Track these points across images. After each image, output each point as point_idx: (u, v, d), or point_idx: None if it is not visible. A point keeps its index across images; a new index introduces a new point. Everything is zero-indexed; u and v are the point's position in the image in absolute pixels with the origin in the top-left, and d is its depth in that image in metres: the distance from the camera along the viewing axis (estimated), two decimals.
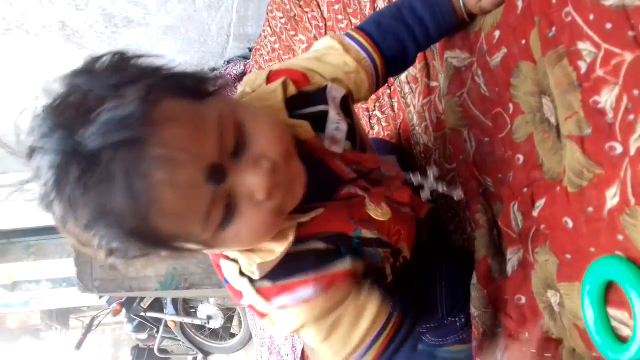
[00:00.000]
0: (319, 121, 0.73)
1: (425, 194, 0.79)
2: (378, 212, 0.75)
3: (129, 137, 0.49)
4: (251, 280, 0.69)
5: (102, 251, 0.55)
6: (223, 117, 0.58)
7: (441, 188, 0.79)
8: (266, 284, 0.69)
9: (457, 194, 0.82)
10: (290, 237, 0.67)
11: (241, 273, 0.69)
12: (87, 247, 0.55)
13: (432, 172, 0.79)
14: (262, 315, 0.73)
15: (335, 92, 0.76)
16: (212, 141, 0.56)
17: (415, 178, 0.78)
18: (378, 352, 0.73)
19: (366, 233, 0.74)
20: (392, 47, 0.80)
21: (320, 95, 0.74)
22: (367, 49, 0.79)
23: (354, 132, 0.78)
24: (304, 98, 0.74)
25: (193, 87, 0.59)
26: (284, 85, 0.73)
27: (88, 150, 0.49)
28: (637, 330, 0.51)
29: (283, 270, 0.68)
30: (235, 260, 0.70)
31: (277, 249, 0.67)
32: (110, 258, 0.56)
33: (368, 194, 0.76)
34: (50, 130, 0.51)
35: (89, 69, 0.55)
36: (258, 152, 0.60)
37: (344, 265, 0.71)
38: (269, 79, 0.75)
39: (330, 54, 0.79)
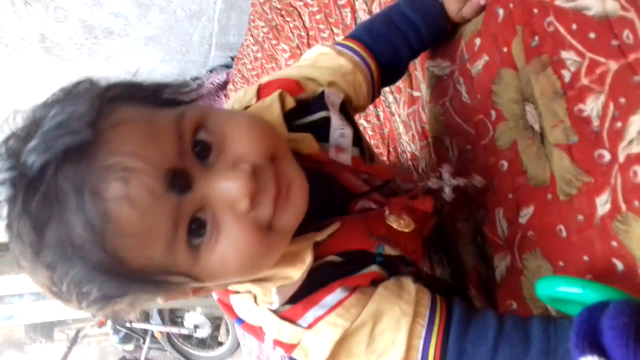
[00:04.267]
0: (321, 129, 0.67)
1: (448, 195, 0.74)
2: (401, 223, 0.67)
3: (73, 144, 0.43)
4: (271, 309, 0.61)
5: (74, 298, 0.48)
6: (184, 118, 0.50)
7: (462, 182, 0.75)
8: (287, 307, 0.60)
9: (479, 180, 0.76)
10: (308, 259, 0.59)
11: (257, 303, 0.61)
12: (58, 297, 0.48)
13: (446, 171, 0.75)
14: (291, 348, 0.62)
15: (334, 98, 0.70)
16: (169, 143, 0.48)
17: (433, 182, 0.74)
18: (440, 336, 0.59)
19: (389, 250, 0.66)
20: (385, 52, 0.78)
21: (318, 102, 0.69)
22: (360, 54, 0.75)
23: (360, 138, 0.73)
24: (301, 107, 0.68)
25: (156, 95, 0.54)
26: (281, 98, 0.67)
27: (31, 170, 0.44)
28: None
29: (301, 290, 0.60)
30: (249, 292, 0.62)
31: (294, 274, 0.59)
32: (86, 307, 0.48)
33: (387, 205, 0.69)
34: (1, 162, 0.46)
35: (48, 99, 0.50)
36: (235, 154, 0.51)
37: (370, 270, 0.63)
38: (260, 92, 0.69)
39: (323, 59, 0.75)
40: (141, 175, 0.45)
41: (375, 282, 0.63)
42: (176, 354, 4.47)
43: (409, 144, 1.08)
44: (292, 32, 1.62)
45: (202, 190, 0.50)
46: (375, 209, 0.69)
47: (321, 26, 1.40)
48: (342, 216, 0.65)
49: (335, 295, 0.60)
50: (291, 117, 0.67)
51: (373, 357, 0.60)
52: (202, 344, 4.53)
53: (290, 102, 0.67)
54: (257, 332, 0.64)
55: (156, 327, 4.24)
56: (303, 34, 1.56)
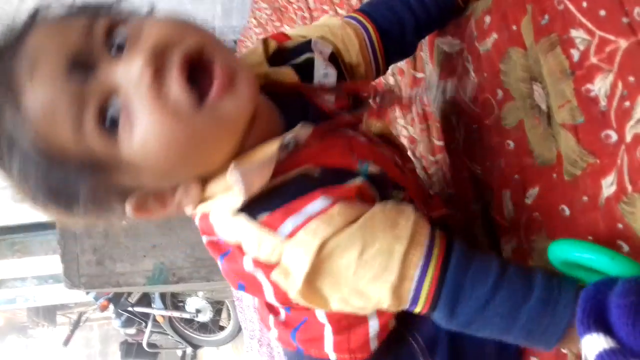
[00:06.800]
0: (305, 71, 0.67)
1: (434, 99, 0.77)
2: (377, 124, 0.68)
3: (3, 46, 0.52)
4: (249, 216, 0.55)
5: (30, 196, 0.54)
6: (99, 17, 0.52)
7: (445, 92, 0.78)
8: (266, 214, 0.55)
9: (450, 88, 0.78)
10: (276, 144, 0.55)
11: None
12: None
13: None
14: (271, 269, 0.57)
15: (322, 47, 0.71)
16: (74, 34, 0.51)
17: (417, 90, 0.76)
18: (438, 269, 0.55)
19: (374, 169, 0.62)
20: (385, 17, 0.77)
21: (304, 47, 0.70)
22: (355, 17, 0.76)
23: (345, 80, 0.73)
24: (287, 53, 0.70)
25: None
26: (265, 43, 0.69)
27: None
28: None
29: (280, 197, 0.55)
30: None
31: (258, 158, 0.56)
32: (42, 206, 0.55)
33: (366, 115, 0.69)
34: None
35: None
36: (144, 44, 0.51)
37: (356, 182, 0.58)
38: None
39: (316, 23, 0.80)
40: (44, 63, 0.49)
41: (362, 199, 0.58)
42: (178, 337, 4.51)
43: (407, 127, 1.07)
44: (296, 14, 1.61)
45: (107, 75, 0.50)
46: (355, 124, 0.68)
47: (325, 7, 1.39)
48: (316, 124, 0.60)
49: (317, 203, 0.54)
50: (276, 62, 0.67)
51: (361, 283, 0.56)
52: (203, 328, 4.57)
53: (273, 45, 0.69)
54: (236, 259, 0.60)
55: (158, 311, 4.27)
56: (307, 15, 1.55)
